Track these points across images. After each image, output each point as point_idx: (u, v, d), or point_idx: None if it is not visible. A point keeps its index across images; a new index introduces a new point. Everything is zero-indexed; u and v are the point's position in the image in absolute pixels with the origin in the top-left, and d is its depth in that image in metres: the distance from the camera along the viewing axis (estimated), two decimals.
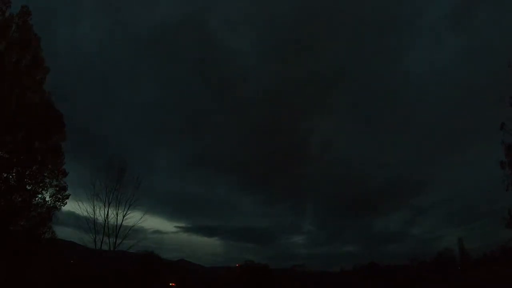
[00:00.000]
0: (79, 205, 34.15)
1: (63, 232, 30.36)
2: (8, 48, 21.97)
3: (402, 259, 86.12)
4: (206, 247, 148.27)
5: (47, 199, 23.52)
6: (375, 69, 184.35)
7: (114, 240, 35.85)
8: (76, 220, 34.97)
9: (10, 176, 22.19)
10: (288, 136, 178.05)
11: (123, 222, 36.14)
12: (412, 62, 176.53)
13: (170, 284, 71.11)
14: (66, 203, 24.45)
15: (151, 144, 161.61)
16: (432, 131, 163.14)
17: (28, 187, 22.75)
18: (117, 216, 36.09)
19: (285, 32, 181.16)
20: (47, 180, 23.45)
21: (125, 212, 36.14)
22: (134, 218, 36.59)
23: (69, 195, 24.66)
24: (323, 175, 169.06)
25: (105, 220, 35.60)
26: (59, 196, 23.83)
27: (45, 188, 23.36)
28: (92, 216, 34.91)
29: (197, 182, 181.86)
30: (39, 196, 23.26)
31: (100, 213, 35.55)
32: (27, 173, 22.60)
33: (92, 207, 35.16)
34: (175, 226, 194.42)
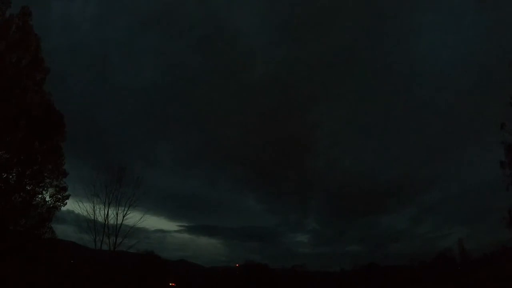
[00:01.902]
0: (79, 205, 34.24)
1: (63, 232, 30.42)
2: (8, 48, 21.94)
3: (404, 259, 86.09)
4: (208, 246, 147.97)
5: (47, 199, 23.52)
6: (389, 54, 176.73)
7: (114, 240, 35.90)
8: (76, 219, 35.07)
9: (10, 176, 22.18)
10: (294, 128, 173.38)
11: (124, 222, 36.20)
12: (430, 45, 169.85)
13: (170, 284, 71.09)
14: (66, 203, 24.46)
15: (151, 136, 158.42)
16: (440, 128, 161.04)
17: (28, 187, 22.74)
18: (117, 216, 36.15)
19: (295, 11, 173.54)
20: (47, 180, 23.43)
21: (125, 212, 36.21)
22: (135, 218, 36.68)
23: (69, 195, 24.69)
24: (329, 170, 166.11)
25: (105, 220, 35.65)
26: (59, 196, 23.82)
27: (45, 188, 23.35)
28: (92, 216, 34.98)
29: (199, 180, 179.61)
30: (39, 196, 23.26)
31: (100, 213, 35.62)
32: (27, 173, 22.59)
33: (92, 207, 35.24)
34: (178, 225, 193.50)
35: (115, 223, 36.03)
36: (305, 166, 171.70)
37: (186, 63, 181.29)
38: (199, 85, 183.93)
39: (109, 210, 35.95)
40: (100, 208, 35.55)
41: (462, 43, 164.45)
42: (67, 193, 24.40)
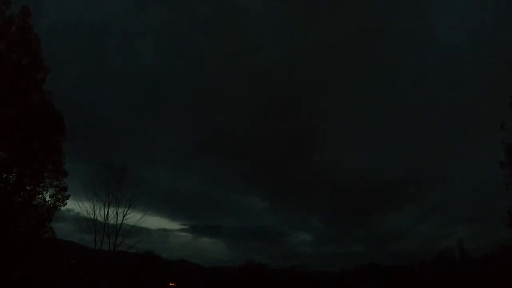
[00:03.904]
0: (79, 205, 34.23)
1: (63, 232, 30.37)
2: (8, 48, 21.92)
3: (406, 259, 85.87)
4: (210, 246, 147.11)
5: (47, 199, 23.51)
6: (404, 41, 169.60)
7: (114, 240, 35.86)
8: (76, 219, 35.06)
9: (10, 176, 22.15)
10: (299, 122, 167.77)
11: (124, 221, 36.15)
12: (446, 32, 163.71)
13: (170, 284, 71.07)
14: (66, 203, 24.45)
15: (151, 130, 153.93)
16: (446, 128, 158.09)
17: (28, 187, 22.72)
18: (117, 216, 36.11)
19: None
20: (47, 180, 23.41)
21: (125, 212, 36.16)
22: (135, 217, 36.67)
23: (69, 195, 24.68)
24: (334, 167, 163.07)
25: (105, 220, 35.60)
26: (59, 196, 23.80)
27: (45, 188, 23.33)
28: (92, 216, 34.96)
29: (201, 177, 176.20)
30: (39, 196, 23.24)
31: (100, 213, 35.58)
32: (27, 173, 22.56)
33: (92, 207, 35.22)
34: (180, 224, 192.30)
35: (115, 223, 36.01)
36: (309, 162, 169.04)
37: (187, 45, 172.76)
38: (201, 71, 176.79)
39: (109, 210, 35.91)
40: (100, 208, 35.53)
41: (477, 32, 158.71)
42: (67, 193, 24.42)
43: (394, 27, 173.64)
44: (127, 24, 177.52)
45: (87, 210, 34.81)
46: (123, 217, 36.04)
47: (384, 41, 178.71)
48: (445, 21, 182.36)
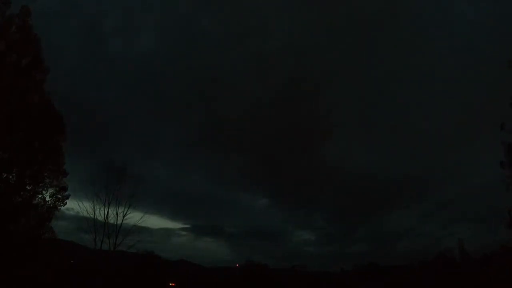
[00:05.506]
0: (79, 205, 34.27)
1: (63, 231, 30.37)
2: (8, 48, 21.93)
3: (404, 259, 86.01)
4: (212, 246, 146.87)
5: (47, 199, 23.52)
6: (404, 42, 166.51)
7: (114, 240, 35.88)
8: (76, 219, 35.11)
9: (10, 176, 22.16)
10: (304, 115, 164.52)
11: (124, 221, 36.16)
12: (445, 33, 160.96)
13: (170, 284, 71.10)
14: (66, 203, 24.47)
15: (151, 129, 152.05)
16: (450, 128, 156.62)
17: (28, 187, 22.73)
18: (117, 215, 36.12)
19: None
20: (47, 180, 23.42)
21: (125, 212, 36.18)
22: (136, 217, 36.69)
23: (69, 195, 24.69)
24: (338, 164, 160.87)
25: (105, 220, 35.62)
26: (59, 196, 23.81)
27: (45, 188, 23.35)
28: (92, 215, 34.99)
29: (202, 175, 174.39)
30: (39, 196, 23.25)
31: (100, 213, 35.60)
32: (27, 173, 22.57)
33: (92, 207, 35.24)
34: (181, 223, 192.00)
35: (115, 222, 36.03)
36: (312, 160, 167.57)
37: (189, 27, 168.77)
38: (204, 55, 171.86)
39: (109, 210, 35.93)
40: (100, 208, 35.56)
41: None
42: (67, 193, 24.43)
43: (398, 25, 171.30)
44: (126, 10, 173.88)
45: (87, 210, 34.85)
46: (123, 217, 36.09)
47: (386, 40, 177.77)
48: (446, 22, 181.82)
